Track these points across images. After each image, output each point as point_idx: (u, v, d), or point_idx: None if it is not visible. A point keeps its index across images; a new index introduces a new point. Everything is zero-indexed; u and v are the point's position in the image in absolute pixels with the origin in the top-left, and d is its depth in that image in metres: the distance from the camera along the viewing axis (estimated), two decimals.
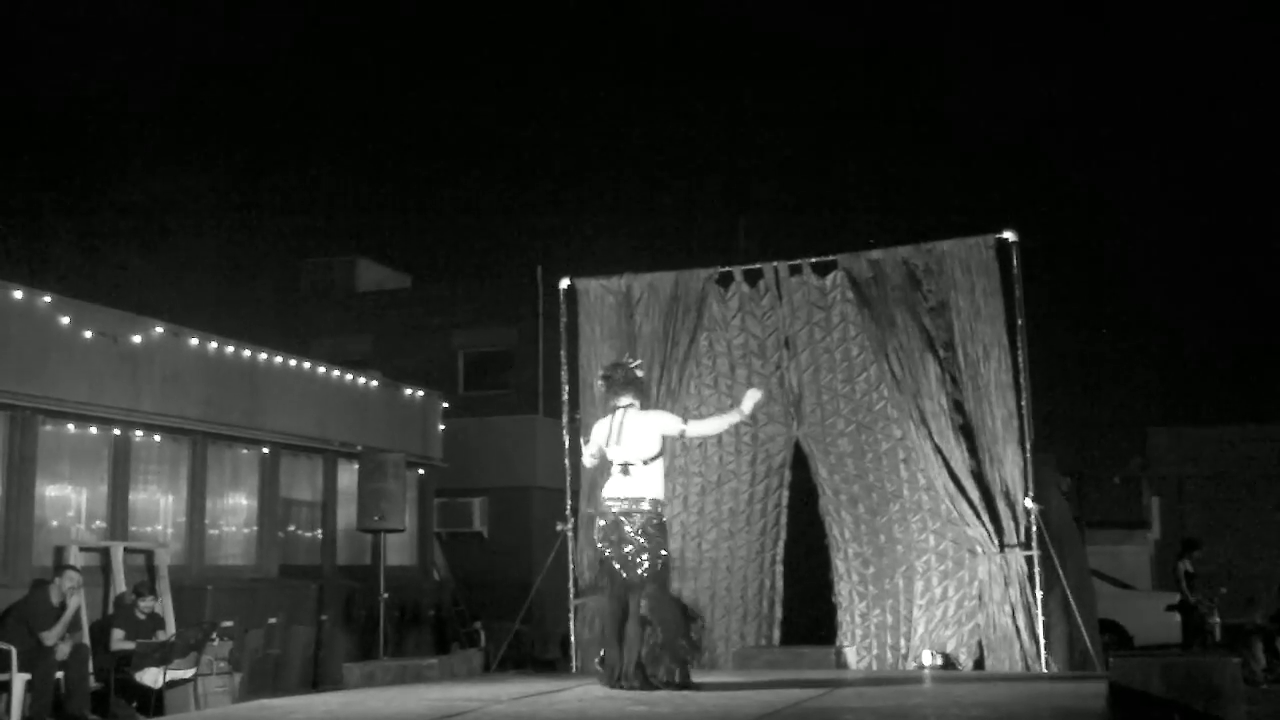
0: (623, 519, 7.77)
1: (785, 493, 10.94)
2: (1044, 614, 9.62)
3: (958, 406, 10.08)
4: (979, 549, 9.87)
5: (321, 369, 14.61)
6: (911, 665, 10.09)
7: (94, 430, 11.61)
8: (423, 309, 24.23)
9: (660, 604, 7.83)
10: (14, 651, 9.55)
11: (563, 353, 11.43)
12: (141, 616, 10.60)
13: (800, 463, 10.86)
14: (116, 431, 11.76)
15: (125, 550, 11.35)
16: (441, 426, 16.79)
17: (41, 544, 10.96)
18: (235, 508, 13.45)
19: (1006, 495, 9.83)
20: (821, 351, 10.83)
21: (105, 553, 11.29)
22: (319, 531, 14.63)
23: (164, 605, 11.20)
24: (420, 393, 16.41)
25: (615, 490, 7.89)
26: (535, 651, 15.14)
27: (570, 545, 10.97)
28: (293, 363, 14.04)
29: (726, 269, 11.22)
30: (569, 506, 11.04)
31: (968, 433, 10.01)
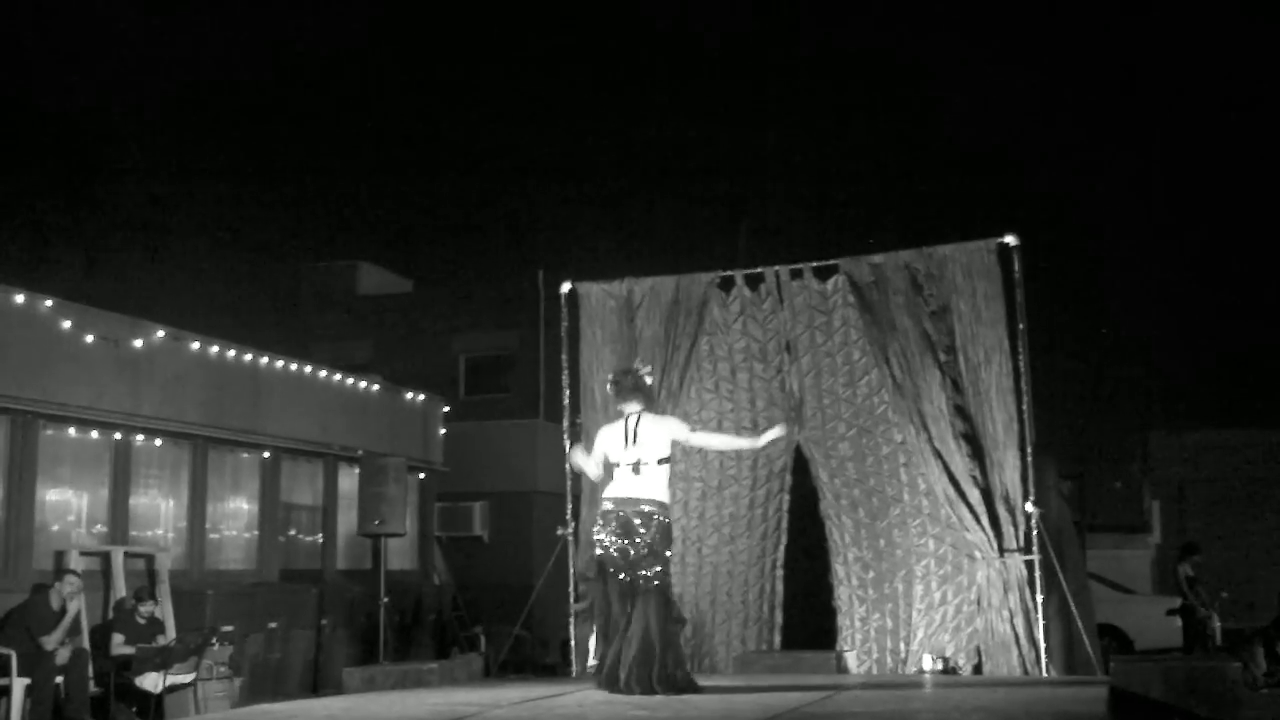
0: (633, 518, 7.68)
1: (786, 497, 10.93)
2: (1043, 619, 9.62)
3: (959, 411, 10.07)
4: (978, 554, 9.87)
5: (322, 373, 14.63)
6: (911, 670, 10.09)
7: (95, 434, 11.62)
8: (424, 313, 24.20)
9: (662, 607, 7.79)
10: (14, 656, 9.54)
11: (564, 357, 11.42)
12: (142, 621, 10.58)
13: (801, 467, 10.86)
14: (117, 435, 11.77)
15: (126, 555, 11.35)
16: (442, 431, 16.80)
17: (42, 548, 10.96)
18: (236, 512, 13.45)
19: (1006, 500, 9.82)
20: (823, 355, 10.83)
21: (106, 557, 11.29)
22: (320, 536, 14.63)
23: (164, 610, 11.19)
24: (421, 397, 16.42)
25: (624, 490, 7.78)
26: (535, 656, 15.11)
27: (571, 550, 10.97)
28: (294, 367, 14.05)
29: (728, 273, 11.22)
30: (570, 511, 11.04)
31: (968, 437, 10.01)
